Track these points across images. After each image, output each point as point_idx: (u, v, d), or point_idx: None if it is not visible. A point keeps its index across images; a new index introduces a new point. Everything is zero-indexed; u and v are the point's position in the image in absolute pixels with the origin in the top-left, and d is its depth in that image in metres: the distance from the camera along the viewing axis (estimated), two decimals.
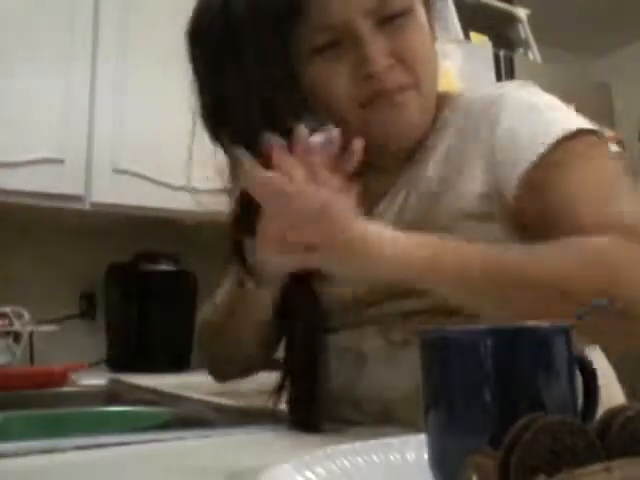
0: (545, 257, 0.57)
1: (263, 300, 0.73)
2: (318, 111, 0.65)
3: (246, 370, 0.87)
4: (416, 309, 0.67)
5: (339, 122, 0.62)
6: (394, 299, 0.68)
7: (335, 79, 0.66)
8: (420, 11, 0.68)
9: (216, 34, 0.66)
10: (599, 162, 0.65)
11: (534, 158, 0.63)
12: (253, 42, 0.64)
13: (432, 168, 0.69)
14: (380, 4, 0.64)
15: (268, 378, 1.74)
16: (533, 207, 0.63)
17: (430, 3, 0.72)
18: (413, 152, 0.71)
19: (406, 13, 0.66)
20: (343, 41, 0.65)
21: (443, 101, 0.74)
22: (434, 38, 0.71)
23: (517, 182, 0.63)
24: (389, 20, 0.65)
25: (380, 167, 0.71)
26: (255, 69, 0.64)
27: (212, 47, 0.67)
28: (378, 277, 0.60)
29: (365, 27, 0.64)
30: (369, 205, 0.69)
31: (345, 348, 0.73)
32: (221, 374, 0.88)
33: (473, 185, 0.66)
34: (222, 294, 0.83)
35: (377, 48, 0.64)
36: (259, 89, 0.64)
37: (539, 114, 0.67)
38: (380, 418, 0.69)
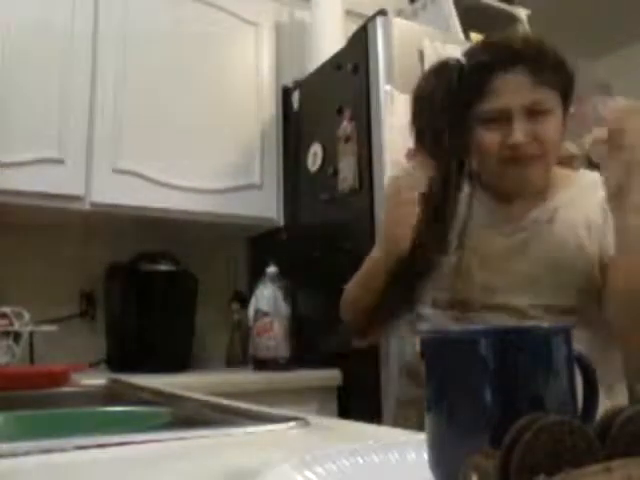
0: None
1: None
2: (474, 158, 1.08)
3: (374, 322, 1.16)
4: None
5: (485, 170, 1.09)
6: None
7: (490, 142, 1.03)
8: (558, 111, 1.03)
9: (430, 101, 1.06)
10: None
11: None
12: (449, 110, 1.05)
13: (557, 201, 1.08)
14: (532, 104, 1.00)
15: (267, 378, 1.75)
16: None
17: (567, 107, 1.05)
18: (543, 192, 1.08)
19: (547, 113, 1.01)
20: (501, 119, 1.01)
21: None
22: (564, 128, 1.05)
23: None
24: (535, 113, 1.00)
25: (519, 197, 1.09)
26: (449, 127, 1.05)
27: (427, 108, 1.07)
28: None
29: (519, 115, 1.00)
30: (520, 215, 1.08)
31: None
32: (359, 330, 1.22)
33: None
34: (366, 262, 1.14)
35: (521, 129, 1.00)
36: (451, 137, 1.05)
37: None
38: None
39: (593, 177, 1.08)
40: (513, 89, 1.00)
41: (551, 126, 1.01)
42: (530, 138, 1.00)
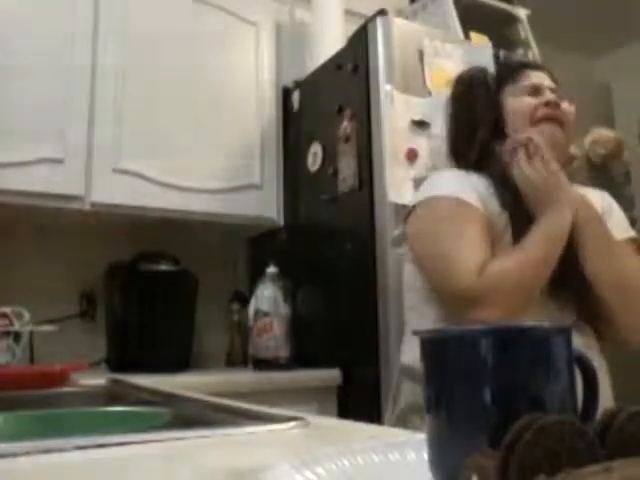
0: None
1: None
2: (508, 127, 1.22)
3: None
4: None
5: (522, 128, 1.20)
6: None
7: (527, 104, 1.21)
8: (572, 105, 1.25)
9: (470, 90, 1.27)
10: None
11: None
12: (485, 92, 1.26)
13: None
14: (555, 89, 1.24)
15: (267, 378, 1.74)
16: None
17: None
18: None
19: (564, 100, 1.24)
20: (532, 93, 1.22)
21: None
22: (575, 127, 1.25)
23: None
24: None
25: None
26: (485, 106, 1.24)
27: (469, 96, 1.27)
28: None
29: (547, 89, 1.23)
30: None
31: None
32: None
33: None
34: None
35: (553, 95, 1.22)
36: (487, 115, 1.23)
37: None
38: None
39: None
40: (541, 77, 1.25)
41: (571, 109, 1.24)
42: (559, 103, 1.20)
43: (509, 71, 1.28)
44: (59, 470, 0.48)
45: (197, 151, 1.97)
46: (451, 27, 2.05)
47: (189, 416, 0.81)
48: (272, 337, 1.81)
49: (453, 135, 1.28)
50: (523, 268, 1.04)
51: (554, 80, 1.28)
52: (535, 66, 1.30)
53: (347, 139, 1.76)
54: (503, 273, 1.03)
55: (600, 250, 1.08)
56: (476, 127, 1.22)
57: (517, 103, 1.22)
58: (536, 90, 1.22)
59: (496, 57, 2.30)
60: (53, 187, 1.73)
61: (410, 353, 1.16)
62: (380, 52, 1.70)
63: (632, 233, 1.22)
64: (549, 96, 1.21)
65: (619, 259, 1.09)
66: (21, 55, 1.75)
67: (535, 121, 1.19)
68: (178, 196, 1.91)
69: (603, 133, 2.40)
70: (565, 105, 1.22)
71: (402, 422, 1.12)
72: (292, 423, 0.63)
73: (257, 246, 2.29)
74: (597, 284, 1.07)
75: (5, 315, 1.57)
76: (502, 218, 1.11)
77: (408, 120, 1.66)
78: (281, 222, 2.10)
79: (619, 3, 2.96)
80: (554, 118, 1.19)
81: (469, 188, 1.13)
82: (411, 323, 1.20)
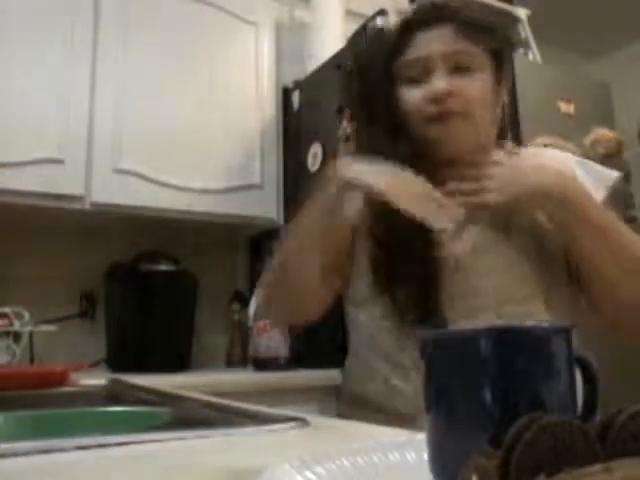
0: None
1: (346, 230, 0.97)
2: (403, 120, 0.96)
3: (307, 309, 1.03)
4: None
5: (416, 130, 0.95)
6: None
7: (411, 99, 0.95)
8: (487, 73, 0.96)
9: (356, 72, 1.07)
10: None
11: None
12: (374, 76, 1.00)
13: None
14: (454, 54, 0.93)
15: (267, 378, 1.74)
16: None
17: (501, 73, 0.99)
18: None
19: (473, 70, 0.94)
20: (424, 76, 0.95)
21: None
22: (497, 97, 0.98)
23: None
24: (459, 70, 0.94)
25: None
26: (374, 91, 0.99)
27: (355, 80, 1.06)
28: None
29: (440, 67, 0.94)
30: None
31: None
32: (285, 316, 1.11)
33: None
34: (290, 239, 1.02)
35: (442, 80, 0.93)
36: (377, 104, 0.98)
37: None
38: None
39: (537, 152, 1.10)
40: (434, 41, 0.95)
41: (475, 84, 0.94)
42: (451, 91, 0.92)
43: (397, 38, 0.98)
44: (59, 470, 0.48)
45: (197, 151, 1.97)
46: None
47: (189, 416, 0.81)
48: (272, 337, 1.81)
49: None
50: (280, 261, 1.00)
51: (466, 25, 0.96)
52: (438, 17, 0.97)
53: (347, 139, 1.76)
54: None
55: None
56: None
57: (403, 97, 0.96)
58: (424, 70, 0.94)
59: None
60: (53, 187, 1.73)
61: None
62: None
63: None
64: (437, 84, 0.92)
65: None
66: (21, 55, 1.75)
67: (424, 122, 0.94)
68: (178, 196, 1.91)
69: (603, 133, 2.40)
70: (465, 83, 0.93)
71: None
72: (292, 423, 0.63)
73: (257, 246, 2.29)
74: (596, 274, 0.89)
75: (5, 315, 1.57)
76: None
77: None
78: (281, 222, 2.10)
79: (619, 3, 2.96)
80: (443, 116, 0.93)
81: None
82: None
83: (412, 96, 0.95)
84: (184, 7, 2.03)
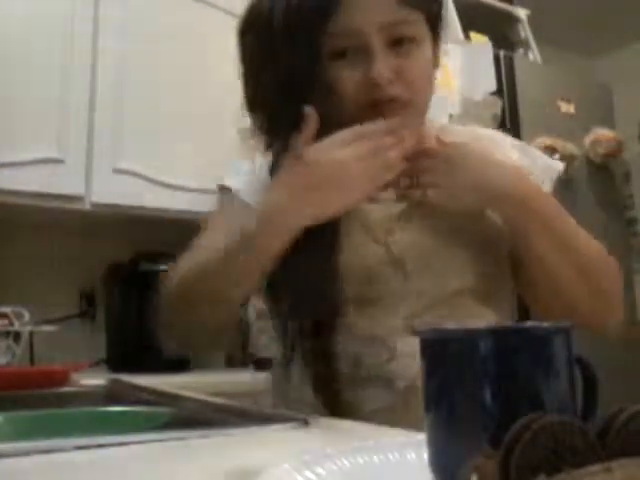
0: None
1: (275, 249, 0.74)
2: (331, 106, 0.77)
3: (219, 335, 0.89)
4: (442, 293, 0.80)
5: (346, 117, 0.76)
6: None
7: (346, 83, 0.77)
8: (427, 44, 0.81)
9: (259, 33, 0.83)
10: None
11: None
12: (287, 42, 0.78)
13: None
14: (392, 25, 0.76)
15: (268, 378, 1.74)
16: None
17: (438, 40, 0.84)
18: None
19: (414, 41, 0.78)
20: (358, 51, 0.76)
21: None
22: (435, 67, 0.84)
23: None
24: (399, 43, 0.77)
25: None
26: (286, 65, 0.78)
27: (255, 44, 0.85)
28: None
29: (377, 42, 0.75)
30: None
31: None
32: (191, 342, 0.91)
33: None
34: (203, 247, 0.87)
35: (384, 63, 0.75)
36: (288, 82, 0.79)
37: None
38: (408, 396, 0.75)
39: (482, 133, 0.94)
40: (370, 8, 0.75)
41: (419, 61, 0.79)
42: (394, 75, 0.76)
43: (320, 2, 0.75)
44: (59, 470, 0.48)
45: (197, 151, 1.97)
46: (451, 27, 2.05)
47: (189, 416, 0.81)
48: (272, 337, 1.81)
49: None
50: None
51: None
52: None
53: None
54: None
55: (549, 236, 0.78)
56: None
57: (331, 75, 0.78)
58: (357, 44, 0.76)
59: (496, 57, 2.31)
60: (53, 187, 1.73)
61: None
62: None
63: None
64: (377, 68, 0.75)
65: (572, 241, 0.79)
66: (21, 55, 1.75)
67: (357, 108, 0.77)
68: (178, 196, 1.91)
69: (603, 133, 2.40)
70: (408, 64, 0.77)
71: None
72: (292, 423, 0.63)
73: None
74: (553, 281, 0.79)
75: (5, 315, 1.57)
76: None
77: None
78: None
79: (619, 3, 2.96)
80: (381, 104, 0.77)
81: None
82: None
83: (344, 78, 0.77)
84: (184, 7, 2.03)
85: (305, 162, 0.73)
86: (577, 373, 0.38)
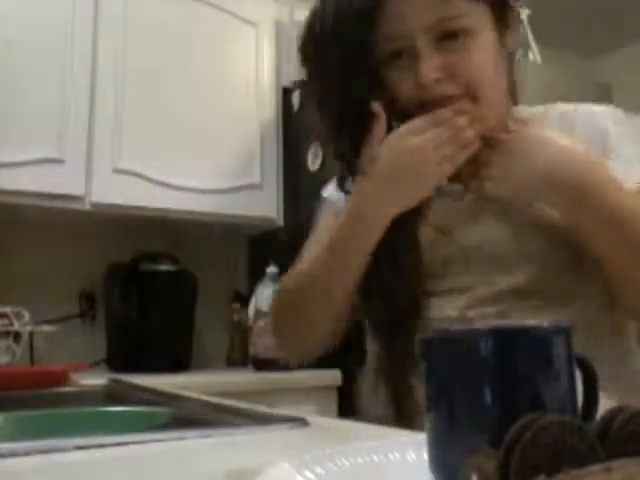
0: None
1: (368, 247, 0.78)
2: (390, 106, 0.79)
3: (325, 338, 0.90)
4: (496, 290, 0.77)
5: (405, 116, 0.78)
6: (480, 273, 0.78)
7: (400, 85, 0.78)
8: (484, 33, 0.77)
9: (315, 43, 0.85)
10: None
11: None
12: (338, 47, 0.79)
13: None
14: (439, 22, 0.74)
15: (267, 378, 1.74)
16: None
17: (504, 25, 0.80)
18: None
19: (466, 34, 0.75)
20: (409, 53, 0.76)
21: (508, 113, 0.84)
22: (504, 55, 0.81)
23: None
24: (449, 37, 0.75)
25: None
26: (340, 71, 0.80)
27: (312, 53, 0.85)
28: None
29: (423, 42, 0.75)
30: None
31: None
32: (300, 350, 0.95)
33: None
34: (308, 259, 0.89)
35: (429, 63, 0.75)
36: (345, 88, 0.80)
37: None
38: None
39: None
40: (413, 7, 0.75)
41: (475, 54, 0.76)
42: (443, 73, 0.75)
43: (369, 8, 0.76)
44: (59, 470, 0.48)
45: (197, 151, 1.97)
46: None
47: (189, 416, 0.81)
48: (272, 337, 1.81)
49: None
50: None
51: None
52: None
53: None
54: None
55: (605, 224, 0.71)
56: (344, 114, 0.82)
57: (388, 78, 0.79)
58: (406, 44, 0.76)
59: None
60: (53, 187, 1.73)
61: None
62: None
63: None
64: (423, 68, 0.74)
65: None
66: (21, 55, 1.75)
67: (417, 110, 0.78)
68: (178, 196, 1.91)
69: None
70: (458, 58, 0.76)
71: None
72: (292, 423, 0.63)
73: (257, 246, 2.29)
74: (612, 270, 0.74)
75: (5, 315, 1.57)
76: None
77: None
78: (281, 222, 2.10)
79: (619, 3, 2.96)
80: (437, 103, 0.76)
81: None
82: None
83: (397, 80, 0.78)
84: (184, 7, 2.03)
85: (384, 155, 0.76)
86: (577, 373, 0.38)
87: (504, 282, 0.78)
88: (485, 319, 0.76)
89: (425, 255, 0.82)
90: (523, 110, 0.88)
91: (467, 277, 0.80)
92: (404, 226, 0.79)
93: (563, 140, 0.74)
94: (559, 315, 0.75)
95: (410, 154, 0.76)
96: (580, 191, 0.71)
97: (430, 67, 0.74)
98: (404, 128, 0.77)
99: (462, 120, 0.75)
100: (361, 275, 0.80)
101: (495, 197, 0.77)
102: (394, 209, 0.77)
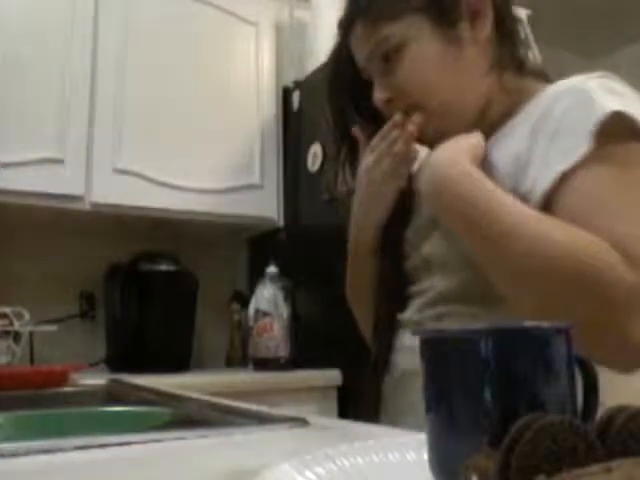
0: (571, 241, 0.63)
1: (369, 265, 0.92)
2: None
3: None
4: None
5: None
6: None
7: (376, 102, 0.85)
8: (418, 43, 0.80)
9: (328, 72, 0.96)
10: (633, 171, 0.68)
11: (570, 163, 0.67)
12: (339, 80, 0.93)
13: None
14: (374, 48, 0.82)
15: (267, 378, 1.74)
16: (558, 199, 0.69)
17: (444, 23, 0.80)
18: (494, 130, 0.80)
19: (397, 50, 0.81)
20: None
21: (522, 95, 0.81)
22: (449, 52, 0.80)
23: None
24: (388, 59, 0.82)
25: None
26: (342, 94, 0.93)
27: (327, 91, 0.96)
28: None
29: (374, 69, 0.84)
30: None
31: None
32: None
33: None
34: None
35: (377, 87, 0.84)
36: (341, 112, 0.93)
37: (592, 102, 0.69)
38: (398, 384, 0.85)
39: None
40: (356, 49, 0.86)
41: (408, 64, 0.81)
42: (393, 93, 0.82)
43: (342, 47, 0.91)
44: (59, 470, 0.48)
45: (197, 151, 1.97)
46: None
47: (189, 416, 0.81)
48: (272, 337, 1.81)
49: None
50: None
51: (371, 10, 0.83)
52: (350, 17, 0.87)
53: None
54: None
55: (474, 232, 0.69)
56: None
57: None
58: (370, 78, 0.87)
59: None
60: (53, 187, 1.73)
61: None
62: None
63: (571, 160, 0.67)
64: (375, 95, 0.84)
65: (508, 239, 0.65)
66: (21, 55, 1.75)
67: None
68: (178, 196, 1.91)
69: None
70: (395, 77, 0.82)
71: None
72: (292, 423, 0.63)
73: (257, 246, 2.29)
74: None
75: (5, 315, 1.57)
76: None
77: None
78: (281, 222, 2.10)
79: (619, 3, 2.96)
80: (387, 116, 0.84)
81: None
82: None
83: (375, 100, 0.85)
84: (184, 6, 2.03)
85: (358, 176, 0.89)
86: (577, 373, 0.38)
87: (443, 286, 0.81)
88: (425, 322, 0.82)
89: (406, 262, 0.90)
90: (530, 85, 0.83)
91: (426, 282, 0.85)
92: (391, 234, 0.88)
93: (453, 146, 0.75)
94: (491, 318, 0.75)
95: (365, 173, 0.86)
96: (435, 193, 0.74)
97: (379, 90, 0.83)
98: (368, 148, 0.86)
99: (394, 133, 0.81)
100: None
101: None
102: (371, 231, 0.89)
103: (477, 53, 0.81)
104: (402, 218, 0.89)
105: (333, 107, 0.94)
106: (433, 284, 0.83)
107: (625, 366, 0.66)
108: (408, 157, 0.81)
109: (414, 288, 0.88)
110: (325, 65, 0.99)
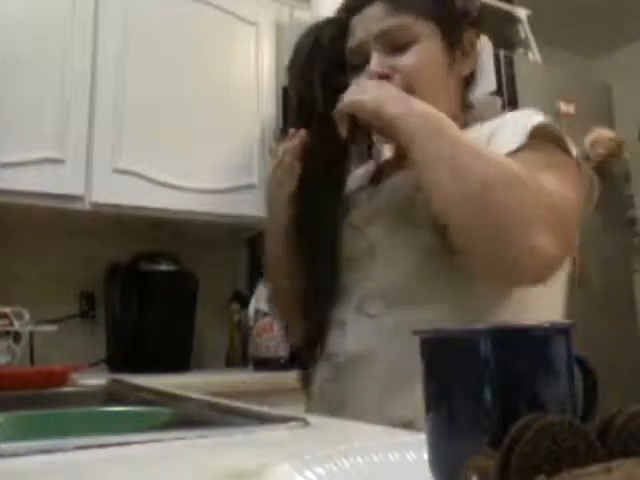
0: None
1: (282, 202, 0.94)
2: None
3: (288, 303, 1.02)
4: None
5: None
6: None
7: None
8: (430, 43, 0.89)
9: (297, 65, 0.95)
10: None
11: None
12: (320, 66, 0.92)
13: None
14: (386, 32, 0.87)
15: (267, 378, 1.74)
16: None
17: (452, 39, 0.91)
18: None
19: (411, 43, 0.88)
20: (365, 61, 0.88)
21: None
22: (452, 64, 0.91)
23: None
24: (398, 49, 0.87)
25: None
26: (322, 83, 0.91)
27: (297, 74, 0.96)
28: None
29: (374, 47, 0.88)
30: None
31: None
32: (281, 310, 1.12)
33: None
34: None
35: (377, 61, 0.87)
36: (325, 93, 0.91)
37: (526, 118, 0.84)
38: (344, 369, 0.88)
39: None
40: (366, 23, 0.89)
41: (415, 56, 0.87)
42: (389, 71, 0.86)
43: (338, 27, 0.94)
44: (59, 470, 0.48)
45: (197, 151, 1.97)
46: None
47: (189, 416, 0.81)
48: (272, 337, 1.81)
49: None
50: None
51: None
52: (356, 4, 0.92)
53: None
54: None
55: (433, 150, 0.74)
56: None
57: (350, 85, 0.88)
58: (364, 56, 0.89)
59: (496, 57, 2.31)
60: (53, 187, 1.73)
61: None
62: None
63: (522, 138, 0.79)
64: (370, 67, 0.87)
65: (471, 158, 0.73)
66: (21, 55, 1.75)
67: None
68: (178, 196, 1.91)
69: (603, 133, 2.40)
70: (402, 60, 0.87)
71: None
72: (292, 423, 0.63)
73: (257, 246, 2.28)
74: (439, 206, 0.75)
75: (5, 315, 1.57)
76: None
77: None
78: None
79: (619, 3, 2.96)
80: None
81: None
82: None
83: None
84: (184, 6, 2.03)
85: None
86: (577, 373, 0.38)
87: (385, 281, 0.86)
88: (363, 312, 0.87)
89: (343, 250, 0.92)
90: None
91: (369, 270, 0.88)
92: (323, 226, 0.92)
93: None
94: (421, 312, 0.81)
95: (268, 179, 0.97)
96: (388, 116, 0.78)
97: (378, 64, 0.87)
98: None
99: (287, 144, 0.90)
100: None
101: (340, 116, 0.83)
102: (281, 229, 0.95)
103: (455, 83, 0.93)
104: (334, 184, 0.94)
105: (305, 80, 0.93)
106: (376, 273, 0.87)
107: (533, 275, 0.74)
108: (292, 169, 0.90)
109: (354, 275, 0.90)
110: (307, 34, 0.98)
